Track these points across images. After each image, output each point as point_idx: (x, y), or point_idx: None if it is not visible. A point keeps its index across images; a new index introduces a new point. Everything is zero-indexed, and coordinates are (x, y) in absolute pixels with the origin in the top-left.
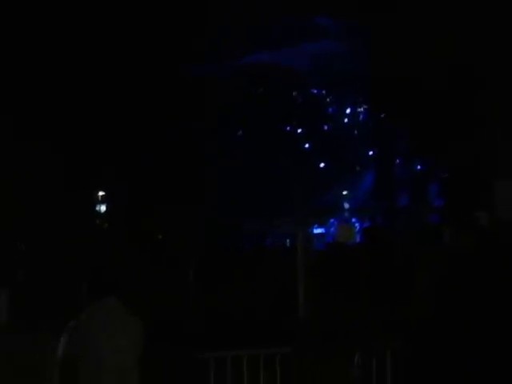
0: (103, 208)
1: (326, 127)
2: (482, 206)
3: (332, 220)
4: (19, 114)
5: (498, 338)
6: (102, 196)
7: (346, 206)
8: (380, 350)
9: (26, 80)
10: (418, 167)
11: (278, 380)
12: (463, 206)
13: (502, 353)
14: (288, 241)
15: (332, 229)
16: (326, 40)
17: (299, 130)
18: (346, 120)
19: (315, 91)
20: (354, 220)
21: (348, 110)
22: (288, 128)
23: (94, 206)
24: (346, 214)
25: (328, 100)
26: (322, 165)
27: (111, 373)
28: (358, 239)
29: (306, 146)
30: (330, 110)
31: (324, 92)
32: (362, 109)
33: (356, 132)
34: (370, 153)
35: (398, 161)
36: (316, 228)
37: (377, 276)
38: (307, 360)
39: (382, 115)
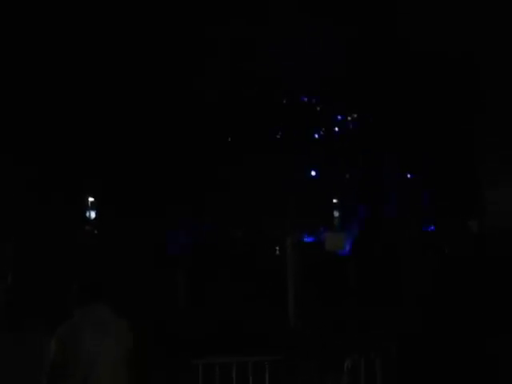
0: (93, 215)
1: (316, 135)
2: (473, 213)
3: (322, 229)
4: (6, 116)
5: (487, 340)
6: (91, 202)
7: (336, 214)
8: (370, 356)
9: (14, 81)
10: (408, 175)
11: None
12: (455, 215)
13: (491, 355)
14: (277, 248)
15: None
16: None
17: (290, 138)
18: (336, 128)
19: (305, 99)
20: (342, 229)
21: (338, 118)
22: (278, 136)
23: (84, 212)
24: (336, 223)
25: (318, 108)
26: (313, 173)
27: (101, 376)
28: (347, 248)
29: (298, 153)
30: (321, 117)
31: (314, 100)
32: (351, 117)
33: (346, 140)
34: (360, 160)
35: (388, 169)
36: (306, 237)
37: (366, 283)
38: (297, 367)
39: (372, 122)
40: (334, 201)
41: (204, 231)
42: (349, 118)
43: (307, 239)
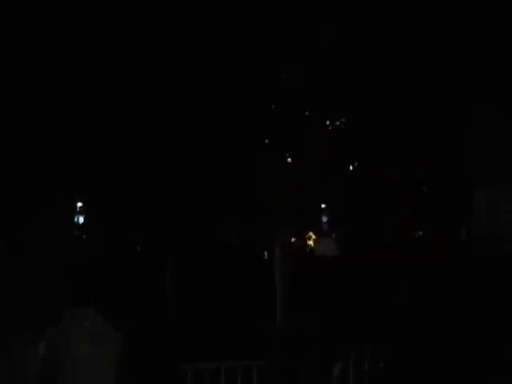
0: (81, 219)
1: (305, 137)
2: (461, 217)
3: (310, 233)
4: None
5: (473, 343)
6: (80, 207)
7: (325, 219)
8: (357, 360)
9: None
10: (397, 178)
11: None
12: (444, 219)
13: (478, 356)
14: (266, 253)
15: (310, 241)
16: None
17: (278, 140)
18: (325, 131)
19: (294, 101)
20: (332, 233)
21: (327, 121)
22: (266, 138)
23: (73, 217)
24: (325, 227)
25: (307, 112)
26: (299, 178)
27: (89, 382)
28: (336, 252)
29: (285, 157)
30: (310, 120)
31: (303, 102)
32: (340, 121)
33: (334, 143)
34: (350, 165)
35: (375, 172)
36: (294, 241)
37: (354, 287)
38: (286, 372)
39: (360, 125)
40: (323, 206)
41: (192, 235)
42: (337, 123)
43: (295, 243)
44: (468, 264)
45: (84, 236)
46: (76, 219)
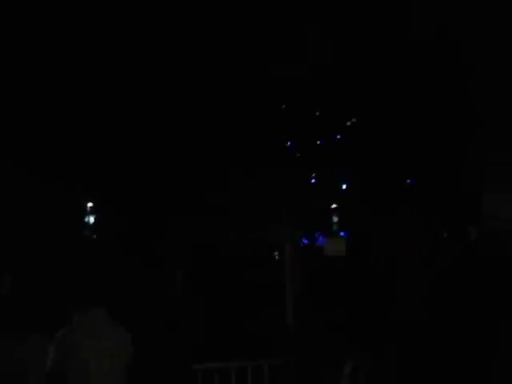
0: (91, 219)
1: (318, 142)
2: (471, 218)
3: (319, 233)
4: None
5: (485, 342)
6: (90, 207)
7: (335, 219)
8: (369, 359)
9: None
10: (407, 181)
11: None
12: (455, 219)
13: (490, 355)
14: (276, 253)
15: (320, 241)
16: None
17: (289, 143)
18: (335, 134)
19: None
20: (342, 233)
21: (338, 124)
22: (279, 140)
23: (83, 217)
24: (335, 228)
25: (317, 113)
26: (312, 180)
27: (98, 382)
28: (347, 252)
29: (297, 158)
30: (320, 123)
31: (314, 105)
32: (350, 122)
33: (345, 146)
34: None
35: (387, 174)
36: (303, 242)
37: (364, 286)
38: (297, 371)
39: (370, 128)
40: (333, 206)
41: (203, 237)
42: (348, 123)
43: (304, 244)
44: (475, 264)
45: (94, 236)
46: (86, 219)
